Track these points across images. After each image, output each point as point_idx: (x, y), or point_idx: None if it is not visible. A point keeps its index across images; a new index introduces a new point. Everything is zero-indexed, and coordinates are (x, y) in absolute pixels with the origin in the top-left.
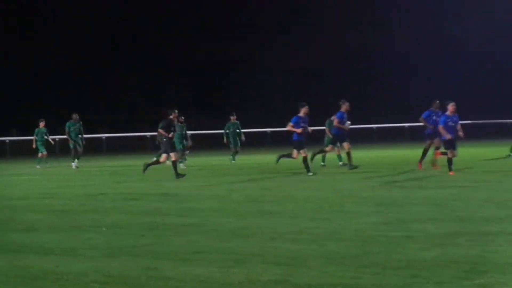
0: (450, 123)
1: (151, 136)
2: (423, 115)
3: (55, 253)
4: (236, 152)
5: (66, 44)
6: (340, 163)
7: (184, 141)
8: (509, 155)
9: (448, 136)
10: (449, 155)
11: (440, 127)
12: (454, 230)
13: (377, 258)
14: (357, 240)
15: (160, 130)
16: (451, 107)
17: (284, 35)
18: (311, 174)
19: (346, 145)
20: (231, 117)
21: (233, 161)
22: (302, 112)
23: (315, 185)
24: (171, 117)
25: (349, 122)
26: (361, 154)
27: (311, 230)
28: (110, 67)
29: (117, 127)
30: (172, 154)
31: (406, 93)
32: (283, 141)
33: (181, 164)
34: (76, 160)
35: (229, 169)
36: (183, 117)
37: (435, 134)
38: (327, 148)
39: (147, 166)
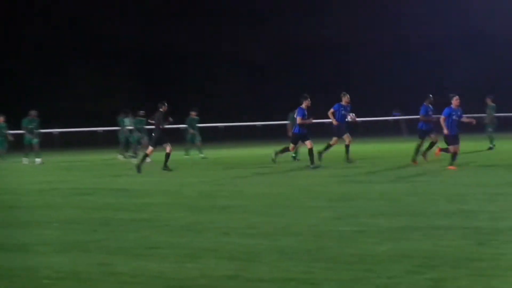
0: (454, 117)
1: (104, 131)
2: (421, 112)
3: (6, 248)
4: (199, 147)
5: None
6: (294, 156)
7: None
8: (490, 147)
9: (445, 132)
10: (451, 150)
11: (442, 119)
12: (407, 225)
13: (330, 253)
14: (310, 235)
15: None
16: (455, 100)
17: (237, 26)
18: (274, 161)
19: (346, 137)
20: (192, 113)
21: (196, 156)
22: (305, 104)
23: (268, 180)
24: (161, 109)
25: (353, 114)
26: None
27: (264, 225)
28: (61, 60)
29: (69, 121)
30: (151, 148)
31: (361, 88)
32: (236, 136)
33: (134, 160)
34: (36, 157)
35: (182, 164)
36: (143, 112)
37: (435, 129)
38: (331, 142)
39: (165, 162)
